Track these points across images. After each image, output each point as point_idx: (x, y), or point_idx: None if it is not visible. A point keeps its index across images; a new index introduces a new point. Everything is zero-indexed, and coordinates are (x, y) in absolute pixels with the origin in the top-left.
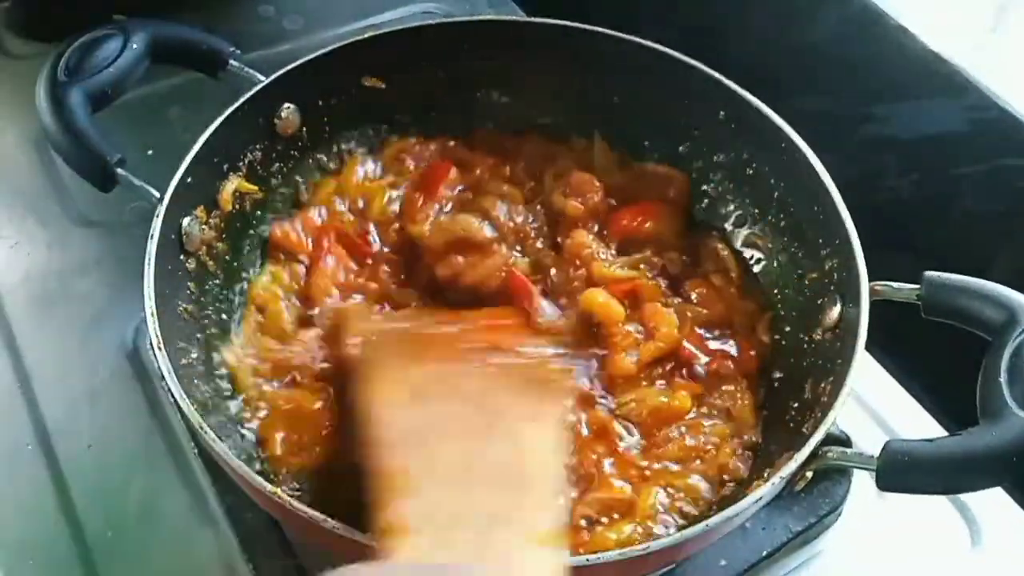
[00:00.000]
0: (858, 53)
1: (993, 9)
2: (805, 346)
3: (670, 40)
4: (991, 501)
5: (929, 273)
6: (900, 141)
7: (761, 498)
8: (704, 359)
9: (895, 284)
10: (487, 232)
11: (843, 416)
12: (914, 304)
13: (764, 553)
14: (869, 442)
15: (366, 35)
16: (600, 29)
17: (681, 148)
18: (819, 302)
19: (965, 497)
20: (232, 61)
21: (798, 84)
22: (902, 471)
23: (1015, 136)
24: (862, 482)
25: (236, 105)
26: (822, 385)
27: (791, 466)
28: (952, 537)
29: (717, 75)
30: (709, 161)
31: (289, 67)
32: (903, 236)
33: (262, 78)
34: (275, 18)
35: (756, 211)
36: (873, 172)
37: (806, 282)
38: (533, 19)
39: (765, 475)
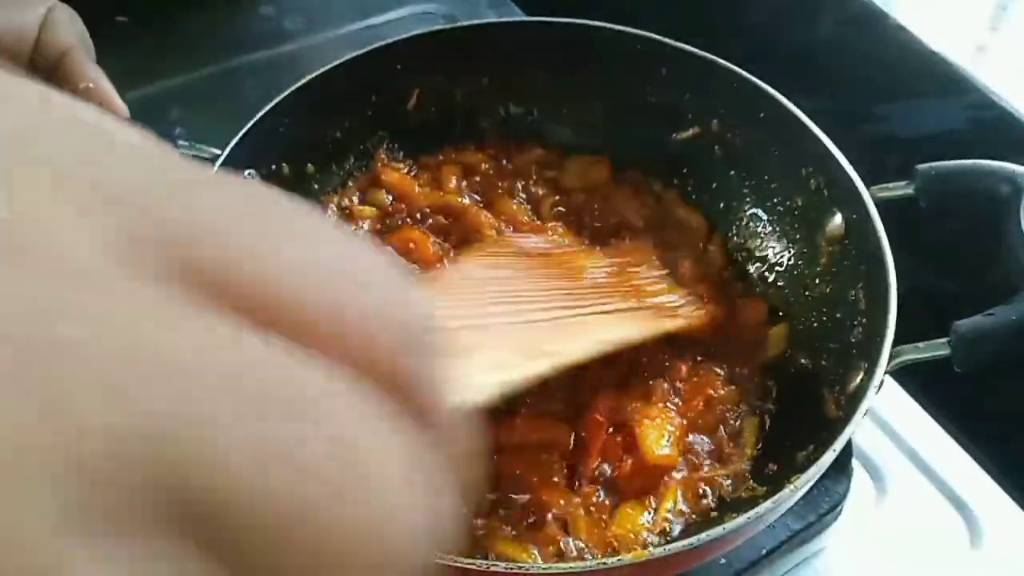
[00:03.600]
0: (858, 53)
1: (993, 9)
2: (818, 271)
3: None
4: (991, 501)
5: (920, 165)
6: (900, 140)
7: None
8: None
9: (890, 184)
10: None
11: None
12: None
13: (764, 551)
14: (869, 444)
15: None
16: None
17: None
18: (816, 218)
19: (965, 497)
20: (180, 141)
21: (797, 84)
22: (975, 346)
23: (1015, 136)
24: (862, 481)
25: None
26: (852, 293)
27: (877, 373)
28: (952, 537)
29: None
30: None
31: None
32: (902, 236)
33: (216, 151)
34: (275, 18)
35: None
36: (873, 172)
37: (796, 211)
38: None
39: (842, 398)
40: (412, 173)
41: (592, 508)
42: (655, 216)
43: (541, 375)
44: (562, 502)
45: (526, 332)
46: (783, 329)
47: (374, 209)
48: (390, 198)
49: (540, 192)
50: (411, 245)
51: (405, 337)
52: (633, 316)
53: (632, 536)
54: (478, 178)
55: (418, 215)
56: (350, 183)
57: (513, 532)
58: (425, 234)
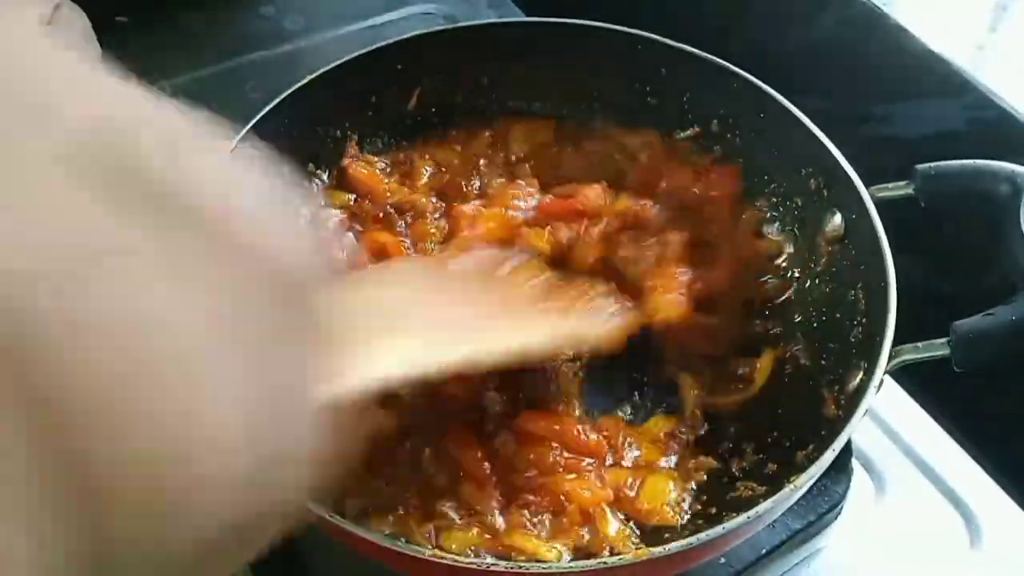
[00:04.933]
0: (858, 53)
1: (993, 9)
2: (818, 271)
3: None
4: (990, 501)
5: (919, 165)
6: (900, 141)
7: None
8: None
9: (890, 184)
10: None
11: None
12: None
13: (763, 551)
14: (869, 444)
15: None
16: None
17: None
18: (816, 218)
19: (964, 496)
20: None
21: (797, 84)
22: (975, 346)
23: (1015, 136)
24: (861, 480)
25: None
26: (851, 292)
27: (877, 373)
28: (951, 536)
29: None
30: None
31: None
32: (902, 236)
33: None
34: (276, 18)
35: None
36: (872, 172)
37: (796, 212)
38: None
39: (842, 398)
40: (387, 169)
41: (623, 488)
42: (604, 162)
43: (449, 368)
44: (587, 493)
45: (445, 322)
46: (769, 360)
47: (339, 212)
48: (353, 197)
49: (499, 180)
50: (383, 248)
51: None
52: (554, 322)
53: (660, 507)
54: (447, 175)
55: (381, 213)
56: (315, 185)
57: (534, 526)
58: (395, 236)
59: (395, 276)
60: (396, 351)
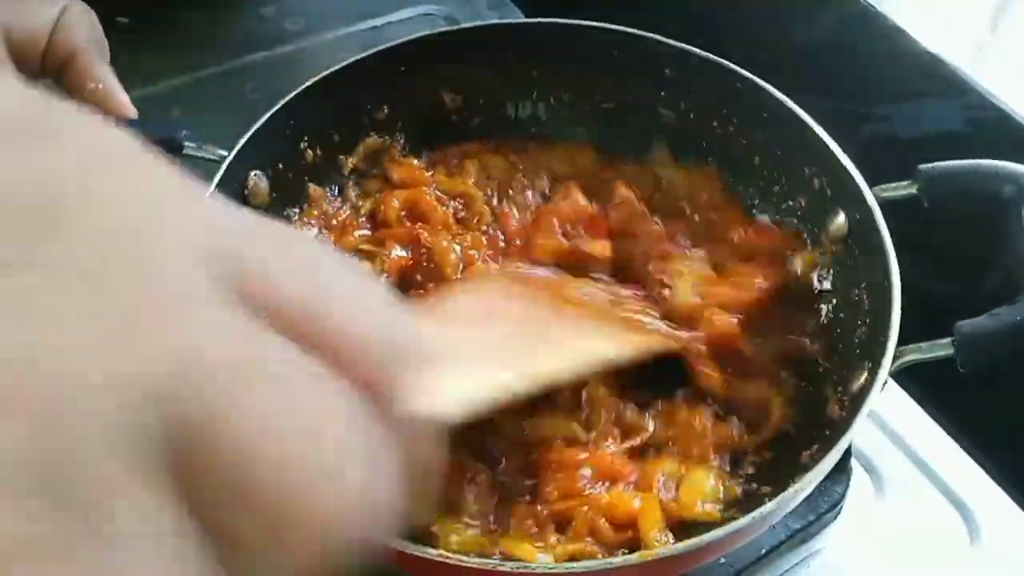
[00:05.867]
0: (857, 53)
1: (993, 9)
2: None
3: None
4: (990, 500)
5: (923, 165)
6: (899, 141)
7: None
8: None
9: (893, 184)
10: None
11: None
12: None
13: (763, 551)
14: (868, 444)
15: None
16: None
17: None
18: (819, 218)
19: (964, 496)
20: (187, 143)
21: (796, 84)
22: (979, 347)
23: (1015, 136)
24: (860, 480)
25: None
26: (855, 293)
27: (881, 374)
28: (951, 536)
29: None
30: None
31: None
32: (905, 236)
33: (223, 152)
34: (276, 19)
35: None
36: (872, 172)
37: (799, 212)
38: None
39: (845, 399)
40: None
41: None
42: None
43: (521, 393)
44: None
45: (509, 348)
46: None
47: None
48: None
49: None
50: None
51: (388, 353)
52: (617, 331)
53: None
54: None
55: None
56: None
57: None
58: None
59: (459, 301)
60: (471, 383)
